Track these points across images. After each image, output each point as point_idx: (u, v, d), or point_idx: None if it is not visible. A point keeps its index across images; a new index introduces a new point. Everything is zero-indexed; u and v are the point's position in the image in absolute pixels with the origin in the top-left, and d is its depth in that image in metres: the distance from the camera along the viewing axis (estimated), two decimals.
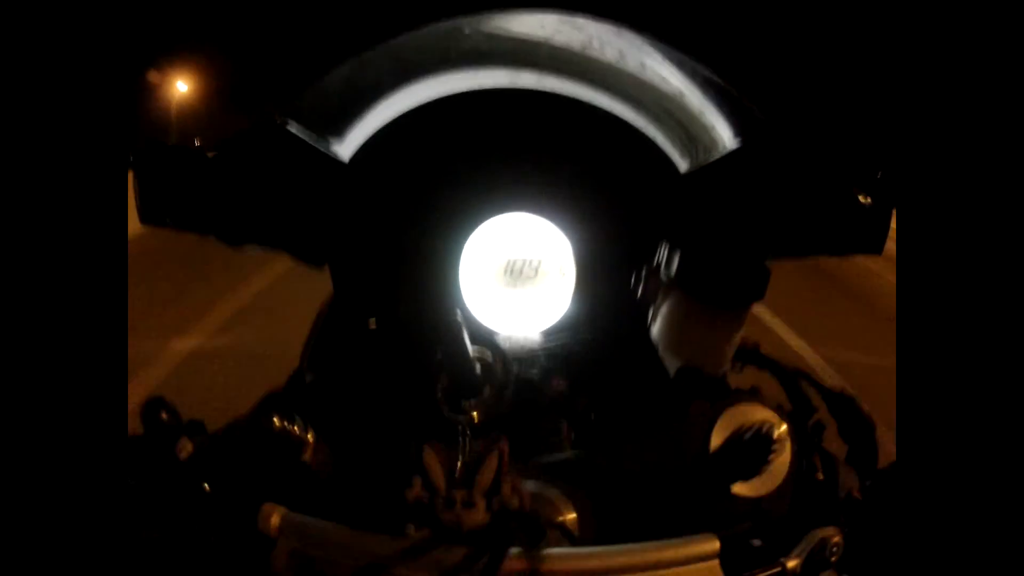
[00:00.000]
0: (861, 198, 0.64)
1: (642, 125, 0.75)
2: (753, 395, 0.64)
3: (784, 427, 0.60)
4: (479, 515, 0.53)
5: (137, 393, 0.57)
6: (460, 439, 0.54)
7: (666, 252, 0.73)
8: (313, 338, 0.79)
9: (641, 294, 0.77)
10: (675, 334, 0.74)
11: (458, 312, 0.59)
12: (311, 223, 0.72)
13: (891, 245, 0.58)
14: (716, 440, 0.61)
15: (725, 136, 0.68)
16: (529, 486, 0.60)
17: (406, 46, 0.67)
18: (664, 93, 0.70)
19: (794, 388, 0.78)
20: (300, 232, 0.72)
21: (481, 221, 0.73)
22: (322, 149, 0.70)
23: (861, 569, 0.58)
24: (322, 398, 0.64)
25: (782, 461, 0.60)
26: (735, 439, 0.60)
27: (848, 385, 0.75)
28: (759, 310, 0.72)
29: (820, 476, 0.64)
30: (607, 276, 0.77)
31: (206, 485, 0.58)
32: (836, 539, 0.56)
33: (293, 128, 0.67)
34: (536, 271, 0.74)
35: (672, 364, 0.74)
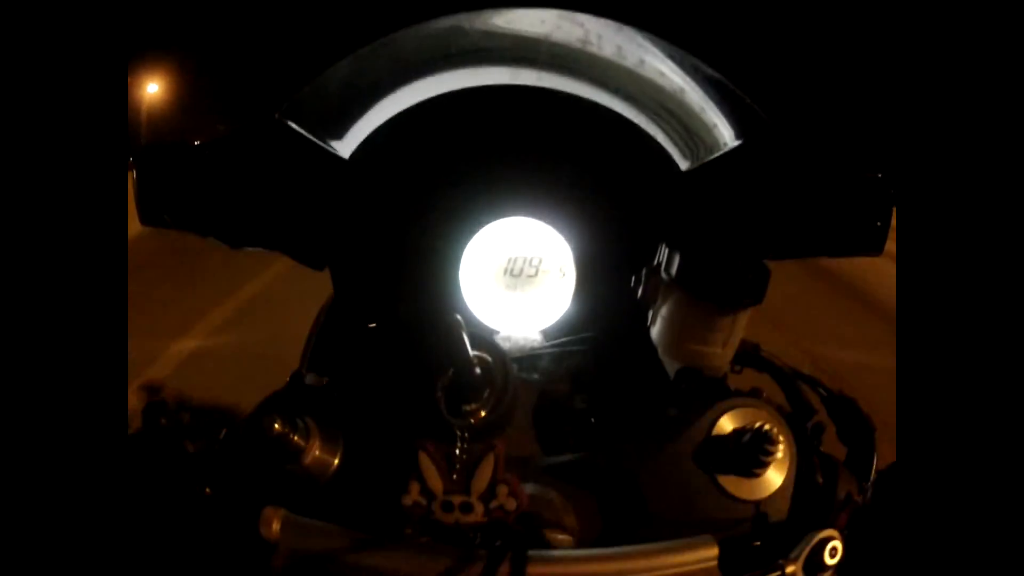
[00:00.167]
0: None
1: (643, 123, 0.75)
2: (753, 396, 0.64)
3: (783, 429, 0.60)
4: (476, 518, 0.53)
5: (137, 395, 0.57)
6: (458, 441, 0.54)
7: (666, 252, 0.73)
8: (313, 338, 0.79)
9: (641, 294, 0.77)
10: (675, 335, 0.74)
11: (458, 313, 0.59)
12: (311, 223, 0.72)
13: (891, 245, 0.58)
14: (715, 441, 0.61)
15: (726, 134, 0.68)
16: (528, 488, 0.60)
17: (405, 44, 0.67)
18: (664, 90, 0.70)
19: (794, 390, 0.78)
20: (300, 233, 0.71)
21: (481, 222, 0.73)
22: (322, 148, 0.70)
23: (861, 571, 0.58)
24: (322, 398, 0.64)
25: (781, 463, 0.60)
26: (734, 441, 0.60)
27: (848, 386, 0.75)
28: (759, 310, 0.72)
29: (819, 478, 0.64)
30: (607, 276, 0.77)
31: (206, 486, 0.58)
32: (835, 541, 0.56)
33: (293, 127, 0.67)
34: (536, 271, 0.74)
35: (672, 365, 0.74)
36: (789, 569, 0.55)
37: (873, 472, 0.68)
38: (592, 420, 0.72)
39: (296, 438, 0.56)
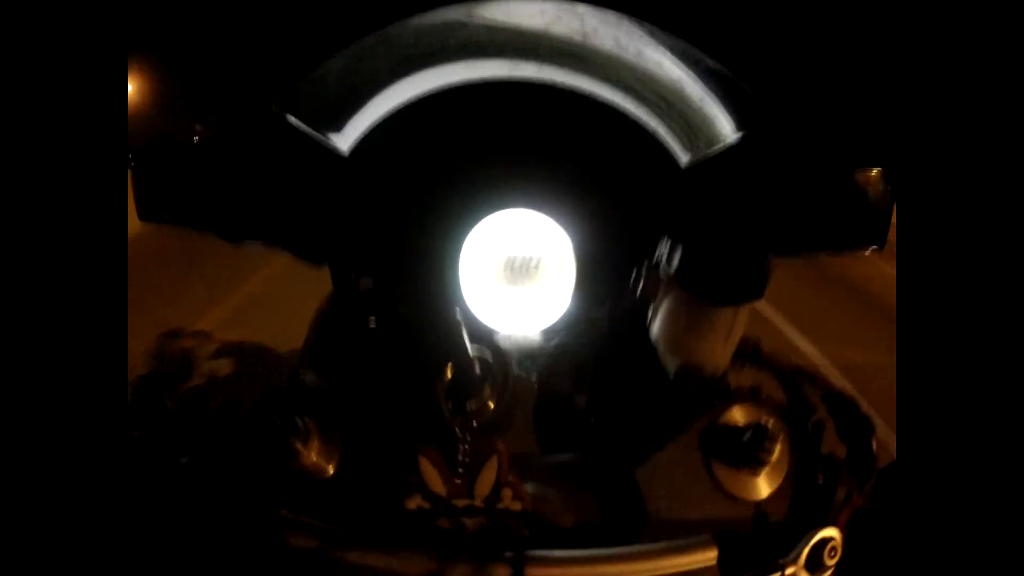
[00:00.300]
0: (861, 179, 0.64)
1: (643, 117, 0.74)
2: (753, 395, 0.64)
3: (782, 427, 0.60)
4: (480, 521, 0.53)
5: (137, 392, 0.57)
6: (459, 443, 0.54)
7: (667, 248, 0.73)
8: (313, 336, 0.79)
9: (642, 291, 0.76)
10: (675, 332, 0.74)
11: (457, 310, 0.59)
12: (310, 218, 0.71)
13: (892, 242, 0.58)
14: (715, 440, 0.61)
15: (726, 127, 0.68)
16: (529, 488, 0.60)
17: (404, 36, 0.66)
18: (664, 83, 0.69)
19: (794, 388, 0.78)
20: (299, 228, 0.71)
21: (480, 217, 0.73)
22: (321, 142, 0.70)
23: (861, 571, 0.58)
24: (321, 397, 0.64)
25: (780, 462, 0.60)
26: (734, 439, 0.60)
27: (848, 385, 0.75)
28: (760, 308, 0.72)
29: (819, 477, 0.64)
30: (607, 273, 0.77)
31: (206, 485, 0.58)
32: (835, 541, 0.56)
33: (291, 120, 0.67)
34: (536, 267, 0.73)
35: (672, 362, 0.74)
36: (789, 570, 0.55)
37: (873, 471, 0.68)
38: (592, 419, 0.72)
39: (296, 438, 0.56)
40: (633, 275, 0.77)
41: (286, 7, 0.67)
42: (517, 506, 0.53)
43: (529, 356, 0.74)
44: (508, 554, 0.51)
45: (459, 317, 0.55)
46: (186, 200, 0.67)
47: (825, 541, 0.56)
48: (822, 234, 0.68)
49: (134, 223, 0.59)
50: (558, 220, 0.73)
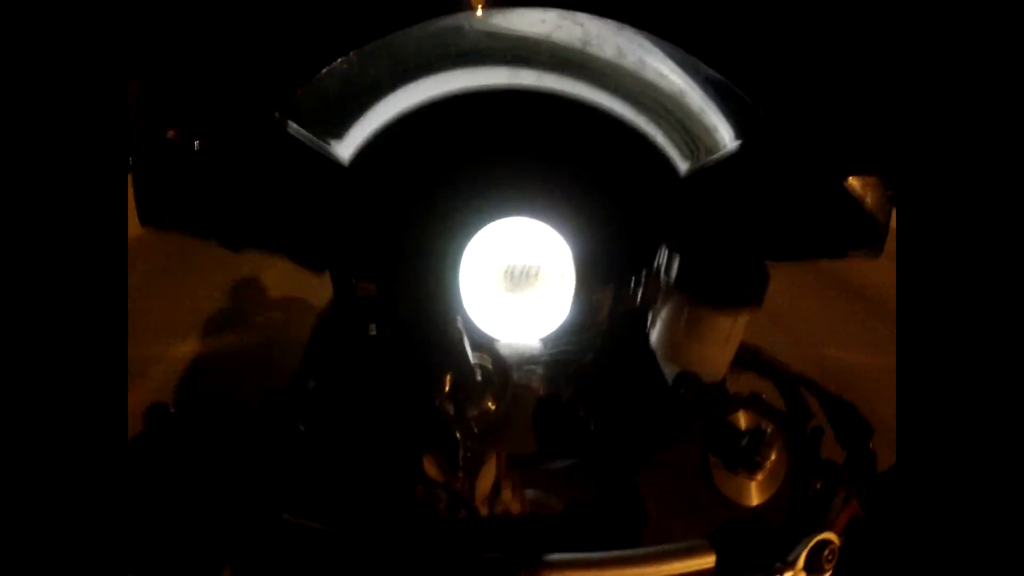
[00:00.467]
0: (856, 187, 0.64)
1: (642, 125, 0.75)
2: (752, 400, 0.64)
3: (781, 432, 0.60)
4: (482, 516, 0.53)
5: (137, 395, 0.56)
6: (460, 447, 0.54)
7: (666, 255, 0.73)
8: (313, 342, 0.79)
9: (641, 298, 0.77)
10: (674, 338, 0.74)
11: (458, 318, 0.59)
12: (311, 225, 0.72)
13: (891, 245, 0.58)
14: (714, 445, 0.61)
15: (725, 136, 0.68)
16: (529, 492, 0.60)
17: (405, 43, 0.67)
18: (664, 91, 0.70)
19: (793, 393, 0.78)
20: (300, 235, 0.71)
21: (480, 225, 0.73)
22: (322, 150, 0.70)
23: (860, 573, 0.58)
24: (322, 402, 0.64)
25: (779, 467, 0.60)
26: (733, 444, 0.60)
27: (847, 389, 0.76)
28: (759, 313, 0.72)
29: (817, 482, 0.64)
30: (607, 280, 0.77)
31: (207, 488, 0.58)
32: (833, 545, 0.56)
33: (293, 127, 0.67)
34: (536, 275, 0.73)
35: (671, 368, 0.74)
36: (787, 574, 0.55)
37: (871, 475, 0.68)
38: (591, 424, 0.72)
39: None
40: (632, 282, 0.77)
41: (288, 15, 0.68)
42: (516, 507, 0.53)
43: (529, 362, 0.74)
44: (506, 557, 0.51)
45: (460, 323, 0.55)
46: (187, 206, 0.67)
47: (823, 545, 0.56)
48: (820, 240, 0.69)
49: (134, 226, 0.59)
50: (558, 228, 0.73)
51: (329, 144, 0.72)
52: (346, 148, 0.74)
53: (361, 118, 0.73)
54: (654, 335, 0.76)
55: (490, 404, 0.58)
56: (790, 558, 0.55)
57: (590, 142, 0.76)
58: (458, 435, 0.55)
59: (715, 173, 0.70)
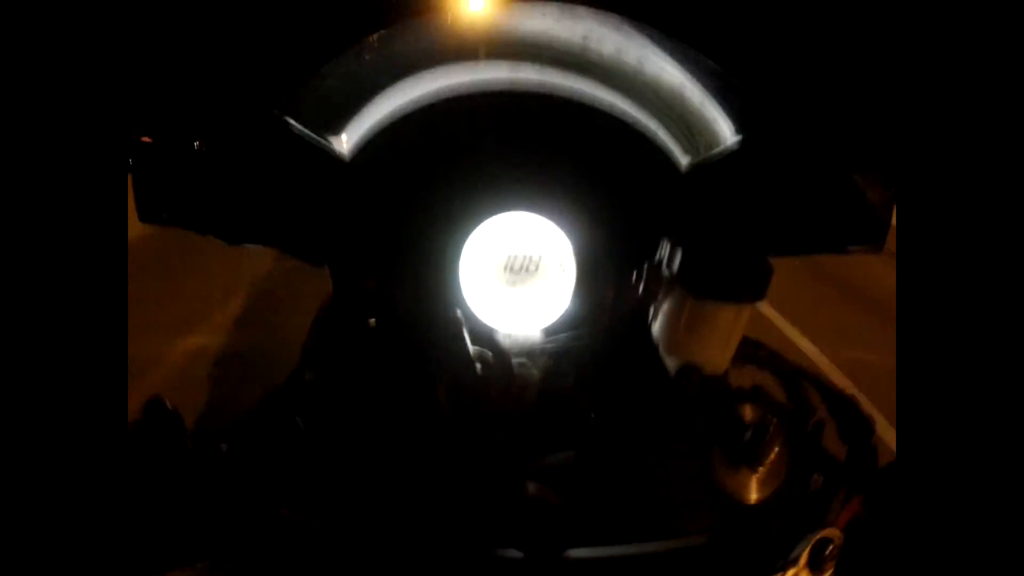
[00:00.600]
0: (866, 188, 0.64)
1: (643, 120, 0.75)
2: (753, 395, 0.64)
3: (783, 427, 0.60)
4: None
5: (137, 394, 0.57)
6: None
7: (667, 249, 0.73)
8: (313, 337, 0.79)
9: (642, 291, 0.77)
10: (676, 332, 0.74)
11: (458, 311, 0.59)
12: (311, 220, 0.72)
13: (891, 243, 0.58)
14: (715, 439, 0.61)
15: (726, 130, 0.68)
16: (530, 488, 0.60)
17: (404, 39, 0.67)
18: (664, 86, 0.69)
19: (795, 389, 0.78)
20: (299, 229, 0.71)
21: (481, 219, 0.73)
22: (321, 144, 0.70)
23: (861, 571, 0.58)
24: (322, 397, 0.64)
25: (781, 463, 0.60)
26: (734, 438, 0.60)
27: (849, 385, 0.75)
28: (760, 308, 0.72)
29: (819, 477, 0.64)
30: (608, 275, 0.77)
31: (205, 482, 0.58)
32: (835, 541, 0.56)
33: (291, 123, 0.67)
34: (536, 268, 0.73)
35: (673, 363, 0.74)
36: (790, 570, 0.55)
37: (873, 472, 0.68)
38: (592, 418, 0.72)
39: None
40: (634, 276, 0.77)
41: (287, 11, 0.68)
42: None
43: (529, 356, 0.74)
44: (507, 552, 0.51)
45: (460, 316, 0.55)
46: (186, 202, 0.67)
47: (825, 542, 0.56)
48: (822, 235, 0.68)
49: (134, 225, 0.59)
50: (558, 223, 0.73)
51: (329, 140, 0.72)
52: (345, 144, 0.74)
53: (360, 113, 0.73)
54: (656, 328, 0.76)
55: (490, 398, 0.58)
56: (792, 555, 0.56)
57: (591, 137, 0.76)
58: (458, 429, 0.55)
59: (716, 167, 0.70)
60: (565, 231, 0.73)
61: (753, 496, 0.60)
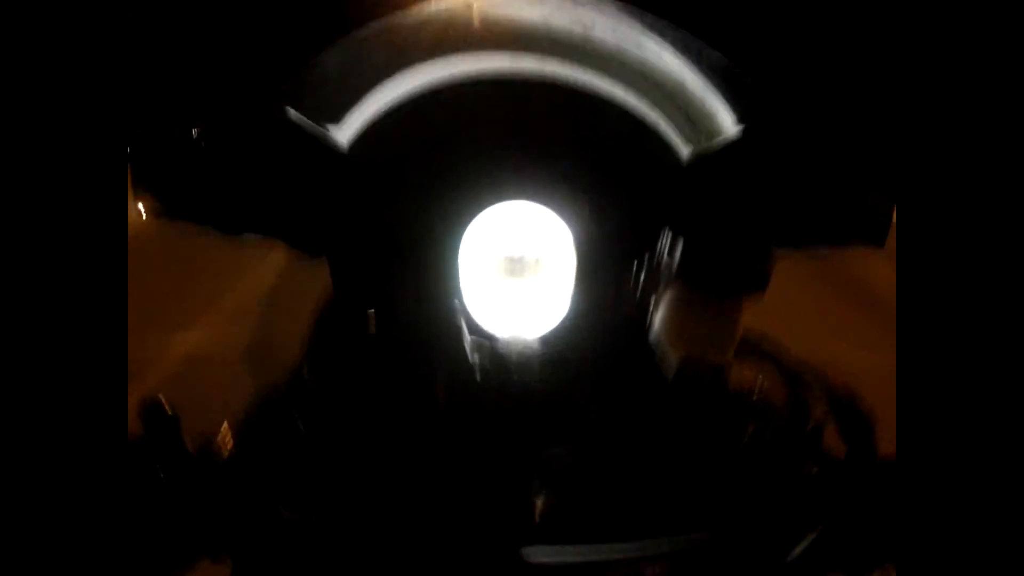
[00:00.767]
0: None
1: (644, 111, 0.74)
2: (754, 390, 0.64)
3: (782, 424, 0.60)
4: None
5: (137, 395, 0.57)
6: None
7: (668, 240, 0.73)
8: (312, 335, 0.79)
9: (643, 284, 0.76)
10: (677, 324, 0.74)
11: (456, 302, 0.59)
12: (309, 210, 0.71)
13: (891, 242, 0.58)
14: (715, 436, 0.61)
15: (728, 121, 0.68)
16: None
17: (403, 28, 0.66)
18: (665, 76, 0.69)
19: (795, 384, 0.78)
20: (298, 218, 0.71)
21: (480, 208, 0.73)
22: (320, 133, 0.70)
23: (860, 568, 0.58)
24: (320, 397, 0.64)
25: (781, 460, 0.60)
26: (734, 436, 0.60)
27: (849, 382, 0.75)
28: (761, 305, 0.72)
29: (819, 475, 0.64)
30: (608, 266, 0.77)
31: (205, 487, 0.59)
32: (835, 539, 0.57)
33: (290, 112, 0.67)
34: (536, 261, 0.73)
35: (673, 355, 0.74)
36: (790, 569, 0.55)
37: (873, 470, 0.68)
38: (591, 415, 0.72)
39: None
40: (634, 268, 0.77)
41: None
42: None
43: (529, 350, 0.74)
44: (507, 551, 0.51)
45: (459, 310, 0.55)
46: (185, 193, 0.67)
47: (826, 541, 0.56)
48: (823, 226, 0.68)
49: (135, 222, 0.59)
50: (559, 212, 0.73)
51: (327, 129, 0.71)
52: (344, 133, 0.73)
53: (359, 103, 0.73)
54: (656, 321, 0.76)
55: (488, 395, 0.58)
56: (793, 552, 0.56)
57: (591, 127, 0.76)
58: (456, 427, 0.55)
59: (718, 158, 0.69)
60: (565, 220, 0.73)
61: (754, 491, 0.60)
